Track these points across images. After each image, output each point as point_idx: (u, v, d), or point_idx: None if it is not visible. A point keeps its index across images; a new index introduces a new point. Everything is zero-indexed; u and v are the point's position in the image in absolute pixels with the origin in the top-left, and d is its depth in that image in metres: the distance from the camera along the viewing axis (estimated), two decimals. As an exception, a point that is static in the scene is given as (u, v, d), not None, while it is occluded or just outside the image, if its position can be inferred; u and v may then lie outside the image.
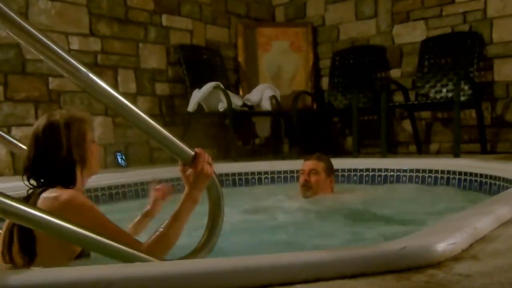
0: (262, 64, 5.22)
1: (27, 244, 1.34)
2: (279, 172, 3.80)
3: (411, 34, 4.63)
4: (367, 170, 3.61)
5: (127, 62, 4.14)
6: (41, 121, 1.47)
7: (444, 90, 4.26)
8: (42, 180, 1.45)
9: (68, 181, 1.45)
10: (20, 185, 1.47)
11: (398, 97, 4.59)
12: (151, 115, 1.26)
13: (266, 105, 4.58)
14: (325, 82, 5.18)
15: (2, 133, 2.16)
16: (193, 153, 1.40)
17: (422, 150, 4.54)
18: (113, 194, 3.11)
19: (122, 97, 1.18)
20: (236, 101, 4.37)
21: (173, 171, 3.10)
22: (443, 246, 1.01)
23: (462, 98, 3.91)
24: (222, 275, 0.91)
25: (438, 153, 4.52)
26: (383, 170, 3.55)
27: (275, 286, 0.89)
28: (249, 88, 4.89)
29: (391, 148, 4.69)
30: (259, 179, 3.79)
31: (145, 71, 4.29)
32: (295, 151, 4.62)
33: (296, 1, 5.41)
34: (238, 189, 3.65)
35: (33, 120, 3.45)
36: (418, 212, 2.51)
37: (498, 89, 4.20)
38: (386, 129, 4.03)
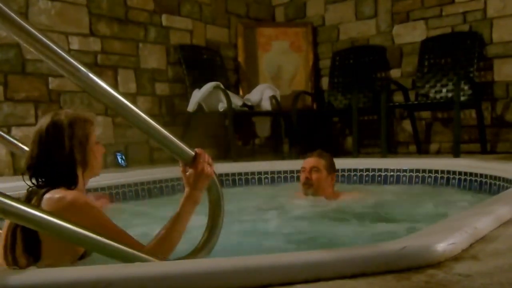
0: (262, 64, 5.22)
1: (32, 245, 1.33)
2: (279, 172, 3.80)
3: (411, 34, 4.63)
4: (367, 170, 3.61)
5: (127, 62, 4.14)
6: (46, 120, 1.46)
7: (444, 90, 4.26)
8: (43, 179, 1.44)
9: (70, 182, 1.45)
10: (20, 185, 1.47)
11: (398, 97, 4.59)
12: (151, 115, 1.25)
13: (266, 105, 4.58)
14: (325, 82, 5.18)
15: (2, 133, 2.16)
16: (193, 153, 1.39)
17: (422, 150, 4.55)
18: (113, 194, 3.11)
19: (122, 97, 1.18)
20: (236, 101, 4.37)
21: (173, 171, 3.13)
22: (443, 246, 1.01)
23: (462, 98, 3.92)
24: (222, 275, 0.91)
25: (438, 153, 4.52)
26: (383, 170, 3.55)
27: (275, 286, 0.89)
28: (249, 88, 4.89)
29: (391, 148, 4.69)
30: (259, 179, 3.79)
31: (145, 71, 4.29)
32: (295, 151, 4.61)
33: (296, 1, 5.41)
34: (238, 189, 3.65)
35: (33, 120, 3.45)
36: (417, 212, 2.51)
37: (498, 89, 4.20)
38: (386, 129, 4.03)
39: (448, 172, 3.21)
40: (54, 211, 1.29)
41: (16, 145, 2.04)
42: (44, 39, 1.04)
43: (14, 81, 3.43)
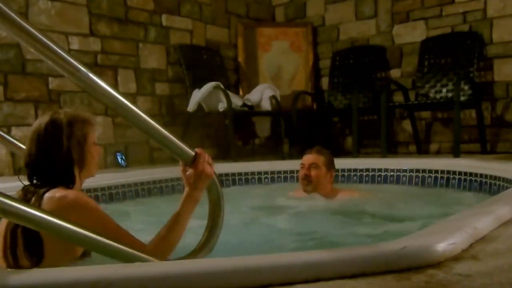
0: (262, 64, 5.22)
1: (34, 245, 1.33)
2: (279, 172, 3.80)
3: (411, 34, 4.63)
4: (367, 170, 3.61)
5: (127, 62, 4.14)
6: (45, 118, 1.46)
7: (444, 90, 4.26)
8: (41, 178, 1.44)
9: (68, 181, 1.45)
10: (20, 185, 1.47)
11: (398, 97, 4.59)
12: (151, 115, 1.25)
13: (266, 105, 4.58)
14: (325, 82, 5.18)
15: (2, 133, 2.16)
16: (193, 153, 1.39)
17: (422, 150, 4.55)
18: (113, 194, 3.11)
19: (122, 97, 1.18)
20: (236, 101, 4.37)
21: (173, 171, 3.13)
22: (443, 246, 1.01)
23: (462, 98, 3.92)
24: (222, 275, 0.91)
25: (438, 153, 4.52)
26: (383, 170, 3.55)
27: (275, 286, 0.89)
28: (249, 88, 4.89)
29: (391, 148, 4.69)
30: (259, 179, 3.79)
31: (145, 71, 4.29)
32: (295, 151, 4.61)
33: (296, 1, 5.41)
34: (238, 189, 3.65)
35: (33, 120, 3.43)
36: (418, 212, 2.51)
37: (498, 89, 4.20)
38: (386, 129, 4.03)
39: (448, 172, 3.21)
40: (56, 210, 1.29)
41: (16, 145, 2.04)
42: (44, 39, 1.04)
43: (14, 81, 3.43)
